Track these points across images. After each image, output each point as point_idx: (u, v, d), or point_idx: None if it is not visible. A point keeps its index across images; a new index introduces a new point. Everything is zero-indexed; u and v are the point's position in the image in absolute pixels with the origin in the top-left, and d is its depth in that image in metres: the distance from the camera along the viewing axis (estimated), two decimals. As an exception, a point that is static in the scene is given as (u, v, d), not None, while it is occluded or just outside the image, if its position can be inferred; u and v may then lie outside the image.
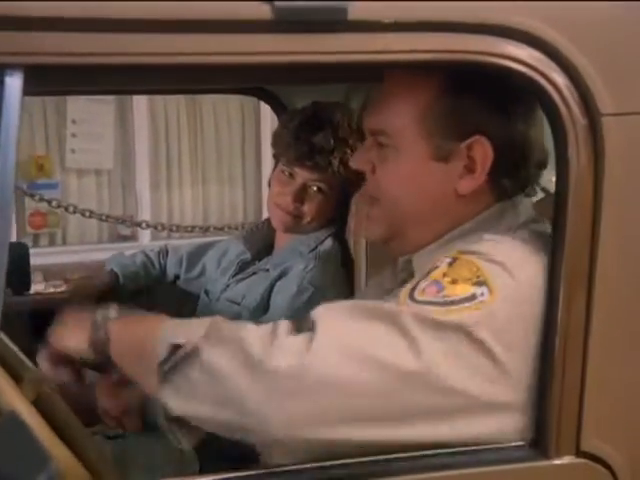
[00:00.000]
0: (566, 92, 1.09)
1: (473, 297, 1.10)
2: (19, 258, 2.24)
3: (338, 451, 1.10)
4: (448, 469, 1.14)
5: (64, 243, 5.98)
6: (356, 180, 2.06)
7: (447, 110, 1.25)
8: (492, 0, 1.10)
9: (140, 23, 0.98)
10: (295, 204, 2.06)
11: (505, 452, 1.16)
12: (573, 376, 1.15)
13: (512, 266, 1.15)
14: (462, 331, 1.08)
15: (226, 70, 1.34)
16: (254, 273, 2.15)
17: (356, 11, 1.02)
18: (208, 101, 6.16)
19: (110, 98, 5.72)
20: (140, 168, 6.06)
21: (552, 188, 1.21)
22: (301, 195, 2.06)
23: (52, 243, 5.96)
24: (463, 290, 1.11)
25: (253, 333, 1.08)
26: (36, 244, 5.85)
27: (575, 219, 1.12)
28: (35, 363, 1.51)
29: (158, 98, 5.97)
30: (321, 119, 2.04)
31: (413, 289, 1.13)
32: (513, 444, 1.17)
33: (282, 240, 2.16)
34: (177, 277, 2.43)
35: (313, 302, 1.94)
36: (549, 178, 1.37)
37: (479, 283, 1.11)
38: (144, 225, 4.69)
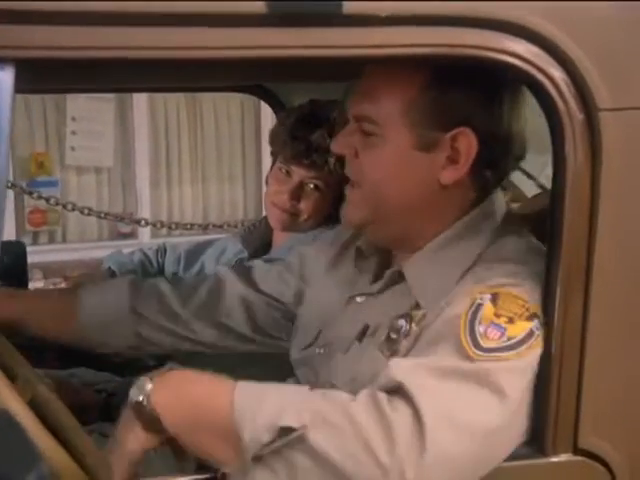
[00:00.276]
0: (563, 87, 1.09)
1: (532, 333, 1.14)
2: (16, 256, 2.23)
3: None
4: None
5: (64, 241, 5.97)
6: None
7: (433, 100, 1.25)
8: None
9: (133, 17, 0.98)
10: (292, 202, 2.05)
11: (502, 450, 1.15)
12: (570, 374, 1.15)
13: (532, 287, 1.18)
14: (531, 370, 1.14)
15: (222, 66, 1.34)
16: (251, 271, 2.13)
17: (352, 5, 1.02)
18: (208, 99, 6.15)
19: (110, 96, 5.70)
20: (140, 166, 6.04)
21: (549, 183, 1.20)
22: (298, 193, 2.05)
23: (52, 241, 5.94)
24: (522, 328, 1.14)
25: (361, 417, 1.05)
26: (36, 242, 5.84)
27: (572, 215, 1.12)
28: (32, 362, 1.50)
29: (158, 96, 5.96)
30: (318, 117, 2.04)
31: (474, 339, 1.12)
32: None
33: (279, 238, 2.16)
34: (175, 275, 2.42)
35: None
36: (546, 173, 1.36)
37: (531, 317, 1.15)
38: (143, 223, 4.66)
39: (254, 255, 2.20)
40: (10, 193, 4.95)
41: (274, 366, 1.59)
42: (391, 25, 1.04)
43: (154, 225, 5.20)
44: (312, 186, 2.05)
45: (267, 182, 2.15)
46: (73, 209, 4.09)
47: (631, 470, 1.20)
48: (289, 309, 1.65)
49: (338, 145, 1.37)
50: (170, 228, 5.27)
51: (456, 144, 1.25)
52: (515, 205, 1.84)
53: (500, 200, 1.37)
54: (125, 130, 5.99)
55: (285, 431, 1.04)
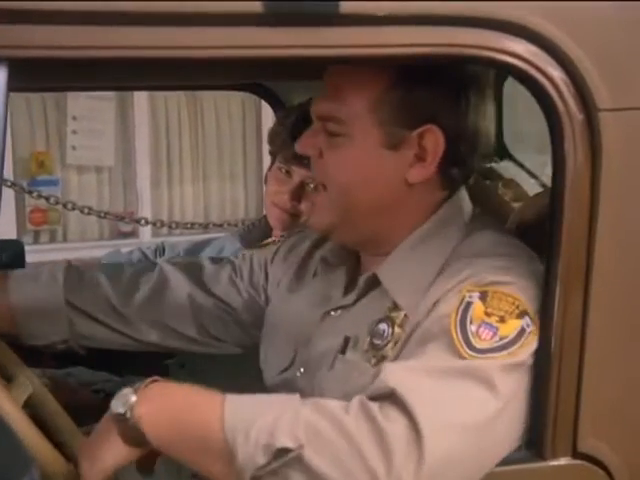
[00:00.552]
0: (563, 87, 1.08)
1: (523, 331, 1.13)
2: (15, 255, 2.23)
3: None
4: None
5: (65, 240, 5.96)
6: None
7: (400, 98, 1.24)
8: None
9: (132, 16, 0.97)
10: (292, 202, 2.04)
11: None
12: (569, 377, 1.14)
13: (524, 285, 1.17)
14: (525, 369, 1.14)
15: (220, 65, 1.33)
16: (251, 270, 2.13)
17: (348, 5, 1.01)
18: (209, 97, 6.15)
19: (111, 95, 5.70)
20: (141, 165, 6.03)
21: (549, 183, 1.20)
22: (298, 193, 2.04)
23: (53, 240, 5.94)
24: (513, 327, 1.13)
25: (355, 432, 1.03)
26: (37, 241, 5.84)
27: (572, 215, 1.12)
28: (29, 362, 1.50)
29: (159, 95, 5.96)
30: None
31: (466, 339, 1.11)
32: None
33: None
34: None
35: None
36: (547, 173, 1.36)
37: (521, 314, 1.14)
38: (143, 222, 4.66)
39: (253, 255, 2.20)
40: (11, 192, 4.95)
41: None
42: (389, 25, 1.04)
43: (154, 224, 5.19)
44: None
45: (266, 181, 2.14)
46: (73, 208, 4.08)
47: (630, 474, 1.20)
48: (239, 315, 1.61)
49: (302, 146, 1.35)
50: (171, 227, 5.27)
51: (423, 142, 1.24)
52: (517, 204, 1.84)
53: (465, 197, 1.35)
54: (126, 129, 5.99)
55: (281, 452, 1.03)
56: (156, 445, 1.10)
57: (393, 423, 1.04)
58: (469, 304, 1.14)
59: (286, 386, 1.42)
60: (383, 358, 1.24)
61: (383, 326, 1.27)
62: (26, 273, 1.69)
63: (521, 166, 2.12)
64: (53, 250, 5.75)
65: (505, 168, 2.07)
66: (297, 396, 1.11)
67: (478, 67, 1.29)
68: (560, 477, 1.20)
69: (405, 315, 1.25)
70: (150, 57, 1.03)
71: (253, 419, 1.06)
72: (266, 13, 0.99)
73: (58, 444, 1.27)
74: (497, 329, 1.12)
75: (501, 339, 1.11)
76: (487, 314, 1.13)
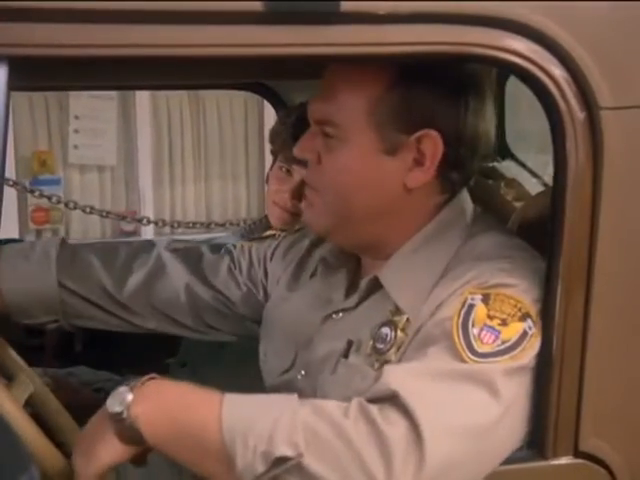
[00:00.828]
0: (564, 85, 1.08)
1: (525, 334, 1.13)
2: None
3: None
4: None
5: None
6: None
7: (398, 102, 1.22)
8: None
9: (131, 14, 0.97)
10: (293, 201, 2.04)
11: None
12: (571, 376, 1.14)
13: (526, 286, 1.17)
14: (527, 372, 1.13)
15: (221, 63, 1.33)
16: (252, 270, 2.13)
17: (349, 3, 1.00)
18: (211, 97, 6.15)
19: (113, 94, 5.70)
20: (143, 164, 6.03)
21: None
22: (299, 192, 2.03)
23: (55, 239, 5.94)
24: (515, 330, 1.12)
25: (354, 435, 1.03)
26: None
27: (574, 214, 1.11)
28: (31, 361, 1.50)
29: (161, 94, 5.96)
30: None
31: (468, 343, 1.11)
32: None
33: (280, 237, 2.14)
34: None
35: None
36: (549, 173, 1.35)
37: (523, 317, 1.13)
38: (145, 221, 4.65)
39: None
40: (13, 192, 4.94)
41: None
42: (389, 23, 1.03)
43: (156, 224, 5.19)
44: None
45: (267, 181, 2.13)
46: (75, 207, 4.07)
47: (632, 473, 1.20)
48: (236, 308, 1.60)
49: (301, 149, 1.33)
50: (173, 227, 5.27)
51: (421, 146, 1.23)
52: (518, 204, 1.84)
53: (467, 198, 1.34)
54: (128, 128, 5.99)
55: (280, 460, 1.02)
56: (153, 444, 1.09)
57: (393, 426, 1.03)
58: (471, 307, 1.13)
59: (287, 388, 1.41)
60: (386, 362, 1.23)
61: (386, 330, 1.26)
62: (18, 249, 1.65)
63: (523, 165, 2.12)
64: (55, 249, 5.76)
65: (507, 168, 2.07)
66: (295, 396, 1.11)
67: (478, 68, 1.28)
68: (562, 476, 1.19)
69: (407, 319, 1.24)
70: (151, 55, 1.02)
71: (252, 421, 1.05)
72: (267, 11, 0.99)
73: (59, 443, 1.27)
74: (499, 332, 1.11)
75: (503, 343, 1.11)
76: (489, 317, 1.12)
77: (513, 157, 2.10)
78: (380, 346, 1.25)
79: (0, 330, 1.47)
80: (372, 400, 1.07)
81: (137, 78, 2.16)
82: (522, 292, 1.15)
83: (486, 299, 1.13)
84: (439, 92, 1.23)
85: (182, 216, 6.10)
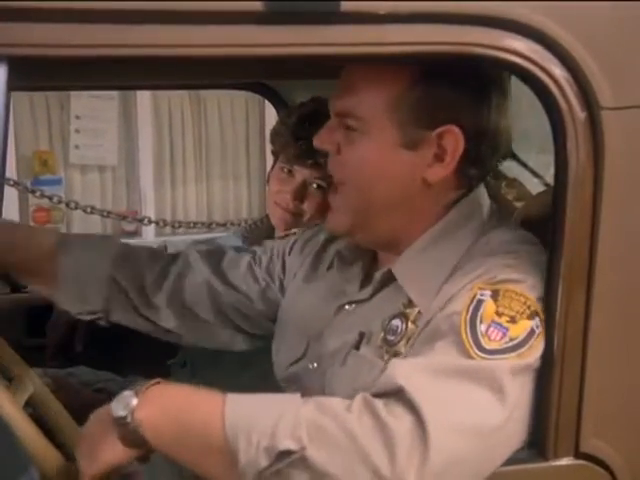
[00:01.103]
0: (565, 85, 1.08)
1: (532, 332, 1.12)
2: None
3: None
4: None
5: (68, 239, 5.97)
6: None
7: (420, 98, 1.23)
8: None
9: (131, 14, 0.97)
10: (295, 202, 2.03)
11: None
12: (572, 377, 1.14)
13: (533, 283, 1.17)
14: (532, 371, 1.13)
15: (221, 63, 1.33)
16: (252, 270, 2.12)
17: (349, 3, 1.00)
18: (212, 97, 6.15)
19: (114, 94, 5.70)
20: (144, 164, 6.04)
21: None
22: (301, 193, 2.03)
23: (56, 239, 5.94)
24: (523, 328, 1.12)
25: (358, 429, 1.03)
26: (40, 240, 5.84)
27: (574, 214, 1.11)
28: (31, 361, 1.50)
29: (162, 94, 5.96)
30: (320, 115, 2.01)
31: (476, 339, 1.11)
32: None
33: (282, 237, 2.14)
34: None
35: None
36: (551, 173, 1.35)
37: (532, 315, 1.13)
38: (146, 221, 4.64)
39: (255, 254, 2.19)
40: (14, 191, 4.95)
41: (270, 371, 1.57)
42: (390, 23, 1.03)
43: (157, 224, 5.19)
44: (315, 186, 2.04)
45: (268, 181, 2.13)
46: (76, 207, 4.06)
47: (633, 474, 1.19)
48: (254, 304, 1.62)
49: (320, 140, 1.34)
50: (174, 227, 5.27)
51: (442, 142, 1.23)
52: (519, 203, 1.83)
53: (484, 194, 1.34)
54: (129, 128, 5.99)
55: (284, 454, 1.02)
56: (156, 446, 1.09)
57: (398, 420, 1.03)
58: (480, 302, 1.13)
59: (297, 380, 1.43)
60: (396, 354, 1.24)
61: (397, 322, 1.27)
62: (78, 237, 1.71)
63: (524, 165, 2.11)
64: (56, 249, 5.76)
65: (508, 167, 2.06)
66: (298, 395, 1.11)
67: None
68: (562, 477, 1.19)
69: (419, 312, 1.25)
70: (151, 55, 1.02)
71: (255, 418, 1.05)
72: (267, 11, 0.99)
73: (59, 444, 1.26)
74: (507, 330, 1.11)
75: (511, 340, 1.11)
76: (498, 314, 1.12)
77: (515, 157, 2.10)
78: (390, 338, 1.26)
79: (1, 330, 1.47)
80: (378, 395, 1.07)
81: (138, 78, 2.15)
82: (530, 289, 1.15)
83: (495, 295, 1.14)
84: (462, 88, 1.23)
85: (183, 216, 6.10)
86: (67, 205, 4.86)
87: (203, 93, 6.08)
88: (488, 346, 1.10)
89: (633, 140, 1.11)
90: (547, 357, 1.13)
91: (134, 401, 1.09)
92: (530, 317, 1.13)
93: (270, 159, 2.22)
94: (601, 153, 1.09)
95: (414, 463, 1.01)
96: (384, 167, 1.26)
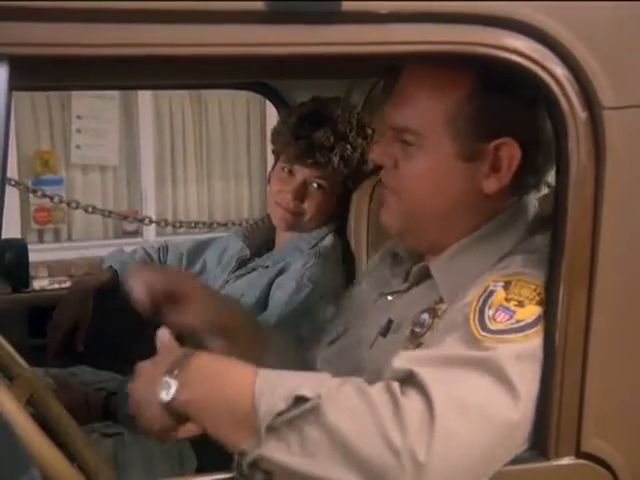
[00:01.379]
0: (566, 84, 1.07)
1: (539, 319, 1.13)
2: (18, 254, 2.23)
3: None
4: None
5: (69, 239, 5.97)
6: (356, 176, 2.05)
7: (477, 110, 1.23)
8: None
9: (132, 14, 0.97)
10: (295, 202, 2.04)
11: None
12: (573, 376, 1.14)
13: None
14: (539, 359, 1.12)
15: (222, 63, 1.32)
16: (254, 270, 2.13)
17: (350, 2, 1.00)
18: (213, 97, 6.15)
19: (115, 94, 5.70)
20: (145, 164, 6.04)
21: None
22: (301, 193, 2.04)
23: (57, 239, 5.94)
24: (532, 312, 1.13)
25: (376, 399, 1.04)
26: (41, 240, 5.85)
27: (575, 215, 1.11)
28: (32, 361, 1.50)
29: (163, 94, 5.96)
30: (321, 115, 2.02)
31: (482, 322, 1.11)
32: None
33: (283, 237, 2.14)
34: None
35: (312, 299, 1.92)
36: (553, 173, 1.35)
37: (541, 302, 1.14)
38: (147, 221, 4.66)
39: (256, 254, 2.19)
40: (15, 191, 4.95)
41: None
42: (391, 22, 1.03)
43: (158, 223, 5.21)
44: (316, 185, 2.04)
45: (269, 181, 2.13)
46: (77, 207, 4.09)
47: (634, 473, 1.19)
48: None
49: (377, 155, 1.37)
50: (175, 226, 5.28)
51: (499, 153, 1.24)
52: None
53: (532, 200, 1.35)
54: (130, 128, 5.99)
55: (300, 401, 1.03)
56: (196, 421, 1.13)
57: (410, 399, 1.04)
58: (492, 292, 1.15)
59: (330, 362, 1.48)
60: (419, 346, 1.26)
61: (425, 316, 1.29)
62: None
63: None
64: (57, 249, 5.77)
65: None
66: (327, 374, 1.12)
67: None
68: (564, 477, 1.19)
69: (446, 308, 1.27)
70: (152, 55, 1.02)
71: (282, 380, 1.08)
72: (269, 11, 0.99)
73: (60, 444, 1.27)
74: (514, 312, 1.12)
75: (517, 322, 1.11)
76: (507, 299, 1.13)
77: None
78: (417, 330, 1.29)
79: (2, 330, 1.47)
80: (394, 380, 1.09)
81: (139, 78, 2.15)
82: (543, 282, 1.15)
83: (507, 285, 1.15)
84: (517, 99, 1.23)
85: (184, 216, 6.10)
86: (68, 205, 4.89)
87: (204, 93, 6.09)
88: (493, 327, 1.11)
89: (634, 139, 1.11)
90: (548, 356, 1.12)
91: (174, 386, 1.12)
92: (539, 303, 1.13)
93: (271, 159, 2.22)
94: (602, 153, 1.09)
95: (423, 438, 1.01)
96: (441, 180, 1.27)
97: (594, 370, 1.14)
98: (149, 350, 1.96)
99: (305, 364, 1.58)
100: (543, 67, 1.07)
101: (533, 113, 1.24)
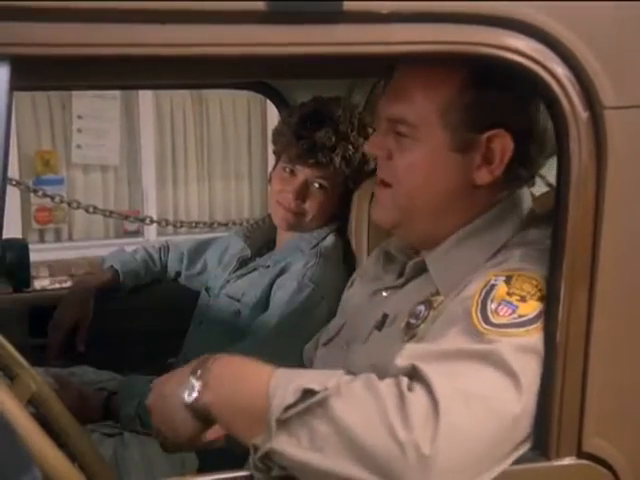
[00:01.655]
0: (567, 84, 1.07)
1: (541, 315, 1.13)
2: (19, 254, 2.23)
3: None
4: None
5: (70, 239, 5.97)
6: (358, 176, 2.05)
7: (470, 102, 1.25)
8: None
9: (133, 13, 0.97)
10: (297, 202, 2.04)
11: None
12: (574, 376, 1.14)
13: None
14: (538, 352, 1.12)
15: (223, 62, 1.32)
16: (255, 269, 2.13)
17: (352, 2, 1.00)
18: (214, 97, 6.15)
19: (116, 94, 5.70)
20: (146, 164, 6.04)
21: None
22: (303, 192, 2.04)
23: (58, 239, 5.94)
24: (533, 307, 1.13)
25: (384, 393, 1.05)
26: (42, 240, 5.84)
27: (577, 214, 1.11)
28: (33, 361, 1.50)
29: (164, 94, 5.96)
30: (322, 115, 2.02)
31: (485, 316, 1.12)
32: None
33: (284, 237, 2.14)
34: (178, 274, 2.41)
35: (313, 299, 1.92)
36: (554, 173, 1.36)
37: (543, 298, 1.14)
38: (148, 221, 4.66)
39: (257, 253, 2.19)
40: (16, 191, 4.95)
41: None
42: (393, 22, 1.03)
43: (159, 223, 5.21)
44: (317, 185, 2.04)
45: (270, 181, 2.13)
46: (78, 207, 4.08)
47: (635, 473, 1.19)
48: None
49: (372, 146, 1.39)
50: (175, 226, 5.29)
51: (492, 145, 1.25)
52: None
53: (526, 193, 1.37)
54: (131, 128, 5.99)
55: (308, 394, 1.04)
56: (217, 419, 1.15)
57: (415, 393, 1.04)
58: (493, 286, 1.15)
59: (325, 362, 1.50)
60: (413, 337, 1.27)
61: (421, 307, 1.30)
62: None
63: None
64: (58, 249, 5.77)
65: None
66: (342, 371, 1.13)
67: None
68: (565, 477, 1.19)
69: (442, 300, 1.27)
70: (153, 55, 1.02)
71: (295, 377, 1.09)
72: (270, 11, 0.99)
73: (61, 443, 1.27)
74: (517, 307, 1.12)
75: (520, 317, 1.11)
76: (509, 294, 1.14)
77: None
78: (413, 321, 1.30)
79: (3, 330, 1.47)
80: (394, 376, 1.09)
81: (140, 78, 2.15)
82: (543, 278, 1.16)
83: (508, 279, 1.15)
84: (510, 91, 1.24)
85: (185, 216, 6.11)
86: (69, 205, 4.89)
87: (205, 93, 6.09)
88: (496, 320, 1.11)
89: (636, 139, 1.10)
90: (549, 356, 1.12)
91: (197, 387, 1.14)
92: (540, 299, 1.14)
93: (272, 159, 2.22)
94: (604, 152, 1.09)
95: (428, 432, 1.01)
96: (434, 172, 1.29)
97: (595, 370, 1.14)
98: (148, 350, 1.96)
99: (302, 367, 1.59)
100: (544, 67, 1.07)
101: (526, 105, 1.26)
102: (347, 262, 2.08)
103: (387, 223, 1.40)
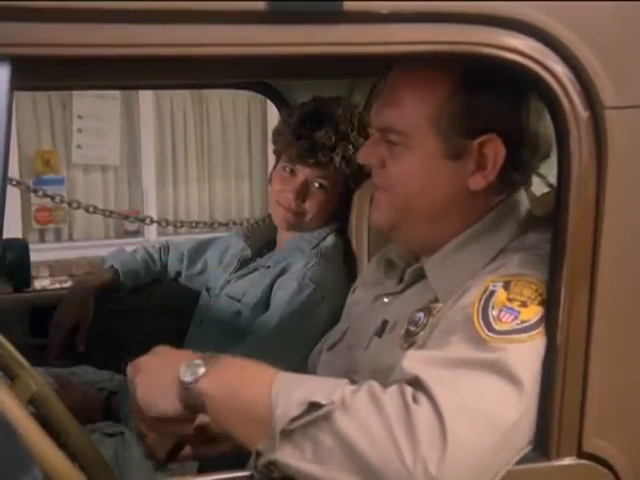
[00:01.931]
0: (567, 84, 1.07)
1: (542, 319, 1.13)
2: (19, 254, 2.23)
3: None
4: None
5: (70, 239, 5.97)
6: (358, 176, 2.05)
7: (461, 107, 1.24)
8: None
9: (134, 13, 0.97)
10: (297, 201, 2.04)
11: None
12: (575, 377, 1.14)
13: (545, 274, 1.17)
14: (542, 356, 1.12)
15: (223, 63, 1.32)
16: (255, 270, 2.13)
17: (352, 2, 1.00)
18: (214, 97, 6.15)
19: (116, 94, 5.71)
20: (146, 164, 6.04)
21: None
22: (303, 192, 2.04)
23: (58, 239, 5.95)
24: (535, 312, 1.13)
25: (387, 408, 1.04)
26: (42, 240, 5.85)
27: (577, 214, 1.11)
28: (34, 361, 1.50)
29: (164, 94, 5.96)
30: (322, 115, 2.02)
31: (487, 323, 1.11)
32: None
33: (284, 237, 2.15)
34: (178, 274, 2.41)
35: (314, 299, 1.92)
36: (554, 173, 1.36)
37: (543, 302, 1.14)
38: (148, 221, 4.66)
39: (258, 253, 2.19)
40: (16, 191, 4.95)
41: None
42: (393, 22, 1.03)
43: (159, 223, 5.21)
44: (317, 185, 2.04)
45: (270, 181, 2.13)
46: (78, 207, 4.08)
47: (635, 473, 1.19)
48: None
49: (364, 155, 1.38)
50: (176, 226, 5.29)
51: (484, 150, 1.25)
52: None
53: (523, 197, 1.36)
54: (131, 128, 5.99)
55: (313, 407, 1.03)
56: (209, 415, 1.14)
57: (420, 407, 1.03)
58: (492, 292, 1.15)
59: (328, 367, 1.49)
60: (413, 344, 1.27)
61: (420, 315, 1.30)
62: None
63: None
64: (59, 249, 5.77)
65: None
66: (346, 380, 1.12)
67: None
68: (565, 477, 1.19)
69: (441, 307, 1.27)
70: (153, 55, 1.02)
71: (298, 385, 1.08)
72: (270, 11, 0.99)
73: (61, 443, 1.27)
74: (519, 313, 1.12)
75: (522, 322, 1.11)
76: (509, 300, 1.13)
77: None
78: (412, 328, 1.29)
79: (3, 330, 1.47)
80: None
81: (140, 78, 2.15)
82: (542, 282, 1.16)
83: (507, 285, 1.15)
84: (501, 96, 1.24)
85: (185, 216, 6.11)
86: (69, 205, 4.88)
87: (205, 93, 6.09)
88: (499, 327, 1.11)
89: (636, 139, 1.10)
90: (550, 357, 1.12)
91: (201, 370, 1.12)
92: (541, 303, 1.14)
93: (272, 158, 2.22)
94: (604, 152, 1.09)
95: (435, 450, 1.01)
96: (428, 179, 1.29)
97: (596, 370, 1.14)
98: (149, 350, 1.96)
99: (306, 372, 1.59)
100: (545, 67, 1.06)
101: (516, 110, 1.26)
102: (347, 262, 2.08)
103: (385, 224, 1.40)
